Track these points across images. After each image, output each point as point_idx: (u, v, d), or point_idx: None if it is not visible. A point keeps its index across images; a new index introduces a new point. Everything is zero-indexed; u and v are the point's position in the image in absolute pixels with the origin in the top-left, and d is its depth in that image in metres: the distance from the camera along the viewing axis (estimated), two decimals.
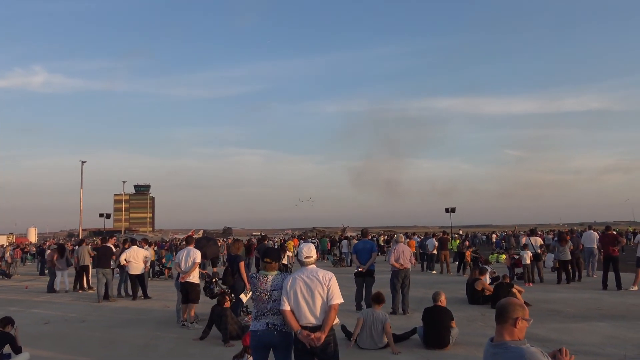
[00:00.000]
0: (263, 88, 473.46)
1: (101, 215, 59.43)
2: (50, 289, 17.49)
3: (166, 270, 22.80)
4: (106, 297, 14.67)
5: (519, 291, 11.55)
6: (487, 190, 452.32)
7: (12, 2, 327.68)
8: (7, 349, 7.17)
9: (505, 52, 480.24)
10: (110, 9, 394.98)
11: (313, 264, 4.76)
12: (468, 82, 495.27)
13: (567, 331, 9.04)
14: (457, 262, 25.47)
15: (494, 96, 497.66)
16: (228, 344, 8.50)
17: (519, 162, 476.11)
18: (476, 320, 10.40)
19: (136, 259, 14.80)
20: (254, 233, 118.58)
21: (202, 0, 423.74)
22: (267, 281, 4.74)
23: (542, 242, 18.80)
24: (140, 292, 15.02)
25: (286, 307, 4.55)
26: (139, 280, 15.02)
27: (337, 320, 4.69)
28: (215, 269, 16.31)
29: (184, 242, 12.91)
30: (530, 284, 16.11)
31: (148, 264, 16.32)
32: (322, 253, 33.87)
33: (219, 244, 29.58)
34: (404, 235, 26.05)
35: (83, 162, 49.75)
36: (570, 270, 16.69)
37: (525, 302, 10.38)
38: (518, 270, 17.61)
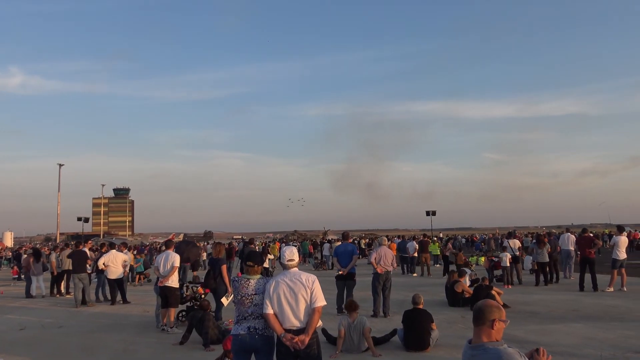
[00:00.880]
0: (245, 91, 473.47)
1: (79, 219, 58.53)
2: (28, 294, 17.18)
3: (137, 276, 21.73)
4: (84, 302, 14.45)
5: (498, 293, 11.69)
6: (468, 193, 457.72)
7: None
8: None
9: (485, 57, 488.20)
10: (90, 11, 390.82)
11: (295, 267, 4.75)
12: (449, 87, 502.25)
13: (545, 332, 9.17)
14: (437, 265, 25.69)
15: (475, 100, 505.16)
16: (208, 348, 8.45)
17: (499, 166, 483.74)
18: (456, 323, 10.49)
19: (115, 263, 14.61)
20: (235, 237, 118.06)
21: (185, 2, 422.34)
22: (249, 285, 4.72)
23: (521, 245, 19.06)
24: (119, 297, 14.83)
25: (269, 310, 4.54)
26: (117, 285, 14.81)
27: (320, 323, 4.70)
28: (195, 273, 16.19)
29: (164, 246, 12.78)
30: (509, 286, 16.31)
31: (127, 269, 16.12)
32: (304, 256, 33.85)
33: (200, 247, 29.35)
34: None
35: (61, 165, 49.19)
36: (548, 272, 16.96)
37: (504, 304, 10.55)
38: (497, 273, 17.82)
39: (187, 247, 13.25)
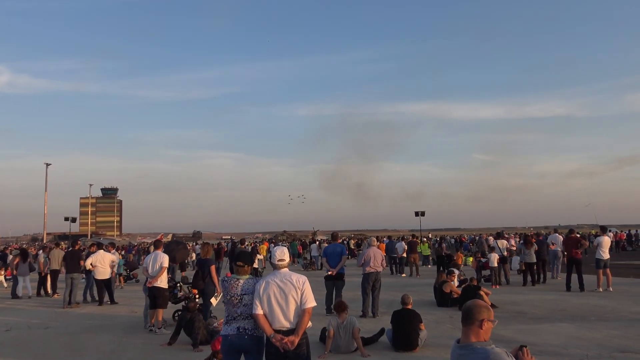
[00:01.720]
0: (235, 91, 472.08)
1: (66, 219, 57.88)
2: (14, 294, 17.01)
3: (120, 278, 20.53)
4: (70, 302, 14.33)
5: (486, 293, 11.78)
6: (456, 193, 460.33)
7: None
8: None
9: (474, 58, 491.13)
10: (79, 9, 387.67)
11: (286, 267, 4.75)
12: (437, 88, 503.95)
13: (532, 332, 9.25)
14: (429, 266, 25.72)
15: (463, 101, 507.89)
16: (197, 349, 8.42)
17: (487, 167, 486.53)
18: (444, 323, 10.55)
19: (102, 263, 14.51)
20: (224, 237, 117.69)
21: (174, 2, 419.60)
22: (238, 285, 4.70)
23: (508, 245, 19.19)
24: (106, 297, 14.72)
25: (259, 310, 4.52)
26: (105, 285, 14.71)
27: (309, 324, 4.69)
28: (183, 273, 16.13)
29: (152, 247, 12.71)
30: (497, 286, 16.43)
31: (115, 269, 16.00)
32: (293, 256, 33.84)
33: (189, 247, 29.20)
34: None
35: (48, 165, 48.72)
36: (536, 273, 17.11)
37: (491, 304, 10.62)
38: (485, 273, 17.93)
39: (177, 247, 13.16)
